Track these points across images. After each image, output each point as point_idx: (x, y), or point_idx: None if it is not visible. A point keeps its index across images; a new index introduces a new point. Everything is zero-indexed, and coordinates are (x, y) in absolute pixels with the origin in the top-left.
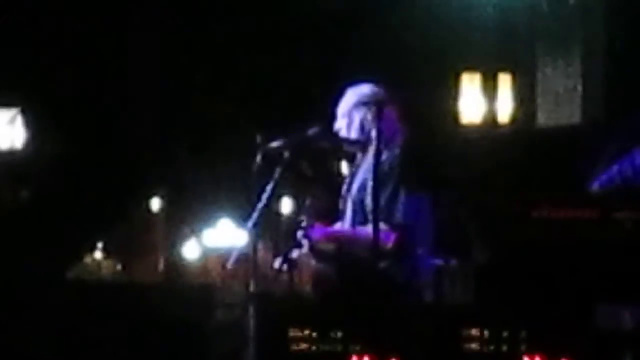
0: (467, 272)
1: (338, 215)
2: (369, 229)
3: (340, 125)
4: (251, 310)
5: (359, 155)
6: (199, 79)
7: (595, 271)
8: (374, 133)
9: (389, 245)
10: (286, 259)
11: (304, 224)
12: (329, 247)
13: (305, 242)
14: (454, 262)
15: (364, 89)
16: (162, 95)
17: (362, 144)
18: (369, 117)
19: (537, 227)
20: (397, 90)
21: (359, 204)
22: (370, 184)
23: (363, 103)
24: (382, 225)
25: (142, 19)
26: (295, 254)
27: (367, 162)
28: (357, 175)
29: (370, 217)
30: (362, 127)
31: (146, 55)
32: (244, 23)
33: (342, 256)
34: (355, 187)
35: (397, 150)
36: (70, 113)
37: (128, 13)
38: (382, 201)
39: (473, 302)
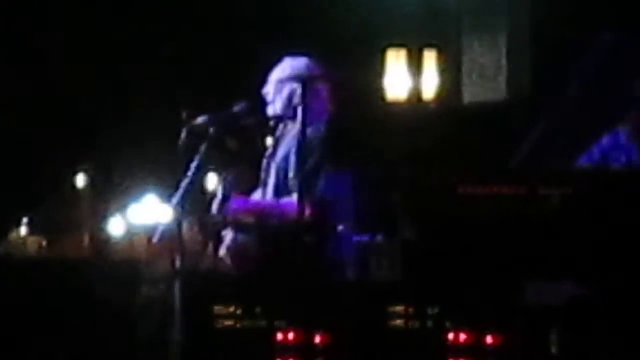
0: (394, 248)
1: (256, 186)
2: (288, 200)
3: (269, 90)
4: (176, 287)
5: (280, 127)
6: (125, 53)
7: (523, 247)
8: (300, 108)
9: (295, 214)
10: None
11: (218, 195)
12: (249, 219)
13: (219, 214)
14: (380, 238)
15: (299, 63)
16: (88, 70)
17: (287, 119)
18: (299, 91)
19: (464, 202)
20: (332, 68)
21: (282, 176)
22: (293, 157)
23: (295, 77)
24: (293, 196)
25: None
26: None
27: (290, 135)
28: (280, 148)
29: (292, 189)
30: (289, 100)
31: (73, 28)
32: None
33: (262, 229)
34: (277, 159)
35: (322, 127)
36: None
37: None
38: (303, 176)
39: (399, 279)
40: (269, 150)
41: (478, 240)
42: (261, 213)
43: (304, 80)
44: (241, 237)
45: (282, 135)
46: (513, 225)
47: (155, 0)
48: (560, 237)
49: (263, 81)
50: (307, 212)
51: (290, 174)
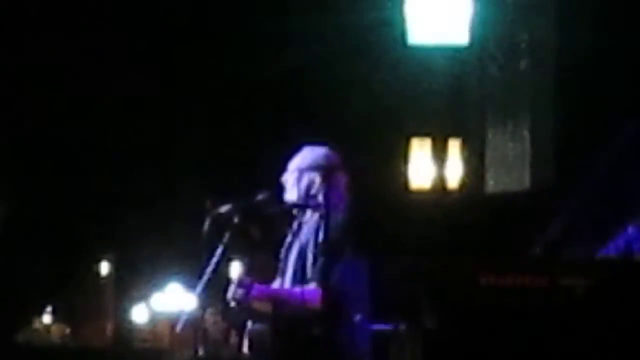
0: (416, 338)
1: (275, 276)
2: (306, 289)
3: (288, 178)
4: None
5: (299, 217)
6: (148, 143)
7: (545, 339)
8: (321, 198)
9: (316, 304)
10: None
11: (234, 281)
12: (265, 307)
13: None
14: (402, 327)
15: (318, 152)
16: (113, 158)
17: (308, 208)
18: (318, 180)
19: (486, 293)
20: (349, 158)
21: (300, 266)
22: (311, 247)
23: (315, 166)
24: (312, 285)
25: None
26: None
27: (308, 225)
28: (299, 238)
29: (310, 278)
30: (308, 189)
31: (92, 119)
32: (195, 86)
33: (277, 318)
34: (296, 249)
35: (339, 217)
36: (20, 176)
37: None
38: (321, 264)
39: None
40: (287, 240)
41: (500, 331)
42: (279, 301)
43: (325, 168)
44: (258, 326)
45: (300, 225)
46: (535, 317)
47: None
48: (582, 329)
49: (282, 169)
50: (323, 301)
51: (308, 263)
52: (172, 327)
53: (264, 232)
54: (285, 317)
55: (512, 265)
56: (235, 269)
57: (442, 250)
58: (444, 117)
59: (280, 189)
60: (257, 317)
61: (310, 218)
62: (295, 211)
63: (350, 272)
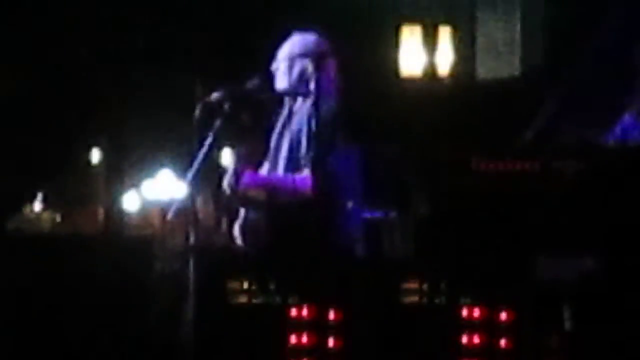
0: (407, 225)
1: (263, 161)
2: (300, 176)
3: (278, 67)
4: (190, 262)
5: (290, 102)
6: (138, 28)
7: (537, 223)
8: (312, 85)
9: (309, 191)
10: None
11: (230, 170)
12: (259, 194)
13: (230, 189)
14: (393, 214)
15: (309, 39)
16: (104, 45)
17: (300, 95)
18: (310, 68)
19: (477, 178)
20: (340, 44)
21: (295, 152)
22: (305, 133)
23: (305, 53)
24: (305, 172)
25: None
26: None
27: (301, 111)
28: (290, 125)
29: (304, 165)
30: (300, 77)
31: (88, 8)
32: None
33: (272, 204)
34: (289, 134)
35: (332, 103)
36: (12, 57)
37: None
38: (313, 152)
39: (412, 255)
40: (279, 126)
41: (492, 216)
42: (273, 189)
43: (316, 54)
44: (252, 213)
45: (293, 111)
46: (526, 201)
47: None
48: (573, 212)
49: (272, 57)
50: (317, 187)
51: (302, 150)
52: (163, 214)
53: (255, 118)
54: (278, 204)
55: (503, 150)
56: (227, 156)
57: (433, 136)
58: (435, 3)
59: (271, 76)
60: (250, 204)
61: (302, 105)
62: (286, 98)
63: (342, 160)
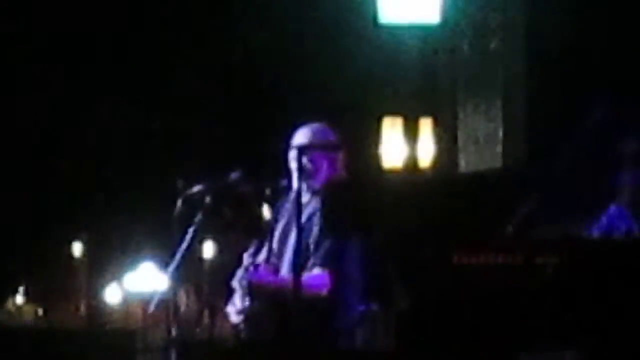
0: (389, 318)
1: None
2: (309, 278)
3: (289, 156)
4: (173, 355)
5: (288, 200)
6: (120, 123)
7: (519, 317)
8: (321, 177)
9: (322, 290)
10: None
11: (245, 264)
12: (268, 289)
13: (243, 283)
14: (375, 307)
15: (317, 130)
16: (85, 139)
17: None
18: (317, 158)
19: (458, 273)
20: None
21: (300, 251)
22: (316, 229)
23: (314, 144)
24: (318, 269)
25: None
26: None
27: (310, 207)
28: (293, 221)
29: (312, 261)
30: (306, 168)
31: (70, 99)
32: (171, 68)
33: (279, 299)
34: (294, 232)
35: (340, 197)
36: None
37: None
38: (327, 247)
39: (393, 348)
40: (283, 220)
41: (472, 311)
42: (281, 289)
43: (323, 148)
44: (256, 303)
45: (301, 204)
46: (508, 296)
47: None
48: (555, 307)
49: (286, 148)
50: (331, 285)
51: (311, 248)
52: (145, 307)
53: (236, 212)
54: (285, 300)
55: (485, 245)
56: (208, 249)
57: (415, 230)
58: (416, 96)
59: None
60: (258, 295)
61: (311, 199)
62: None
63: (354, 254)
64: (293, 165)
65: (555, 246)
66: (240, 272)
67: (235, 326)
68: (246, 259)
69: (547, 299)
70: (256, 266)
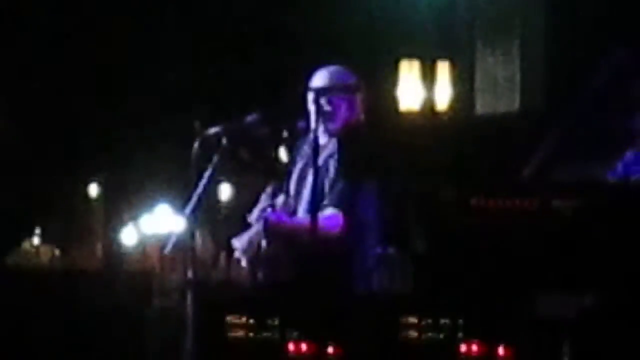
0: (406, 261)
1: (278, 193)
2: (325, 219)
3: (307, 97)
4: (189, 297)
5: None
6: (138, 66)
7: (535, 260)
8: (339, 120)
9: (335, 230)
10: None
11: (262, 204)
12: (284, 230)
13: (259, 225)
14: (392, 250)
15: (337, 72)
16: (102, 81)
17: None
18: (335, 101)
19: (475, 215)
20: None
21: (320, 190)
22: (332, 171)
23: (333, 87)
24: (331, 210)
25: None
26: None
27: (327, 149)
28: (310, 162)
29: (328, 203)
30: (325, 110)
31: (88, 42)
32: (188, 14)
33: (295, 242)
34: (311, 174)
35: (357, 140)
36: (10, 93)
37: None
38: (342, 190)
39: (411, 291)
40: (301, 162)
41: (490, 253)
42: (298, 232)
43: (343, 91)
44: (273, 246)
45: (319, 146)
46: (525, 238)
47: (174, 13)
48: (572, 249)
49: (304, 90)
50: (344, 226)
51: (327, 189)
52: (161, 249)
53: (252, 154)
54: (302, 242)
55: (502, 187)
56: (224, 191)
57: (432, 172)
58: (433, 38)
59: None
60: (274, 239)
61: (329, 142)
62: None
63: (367, 196)
64: (311, 107)
65: (573, 189)
66: (256, 211)
67: (251, 268)
68: (264, 200)
69: (565, 242)
70: (273, 208)
